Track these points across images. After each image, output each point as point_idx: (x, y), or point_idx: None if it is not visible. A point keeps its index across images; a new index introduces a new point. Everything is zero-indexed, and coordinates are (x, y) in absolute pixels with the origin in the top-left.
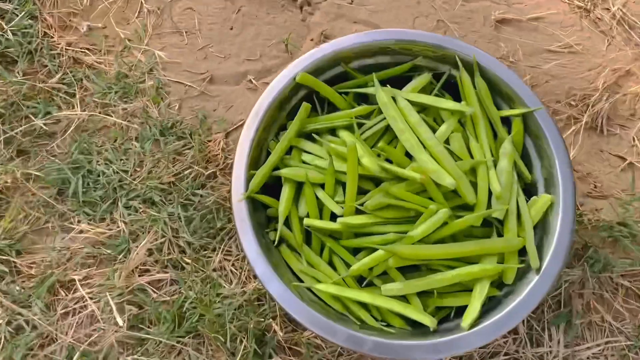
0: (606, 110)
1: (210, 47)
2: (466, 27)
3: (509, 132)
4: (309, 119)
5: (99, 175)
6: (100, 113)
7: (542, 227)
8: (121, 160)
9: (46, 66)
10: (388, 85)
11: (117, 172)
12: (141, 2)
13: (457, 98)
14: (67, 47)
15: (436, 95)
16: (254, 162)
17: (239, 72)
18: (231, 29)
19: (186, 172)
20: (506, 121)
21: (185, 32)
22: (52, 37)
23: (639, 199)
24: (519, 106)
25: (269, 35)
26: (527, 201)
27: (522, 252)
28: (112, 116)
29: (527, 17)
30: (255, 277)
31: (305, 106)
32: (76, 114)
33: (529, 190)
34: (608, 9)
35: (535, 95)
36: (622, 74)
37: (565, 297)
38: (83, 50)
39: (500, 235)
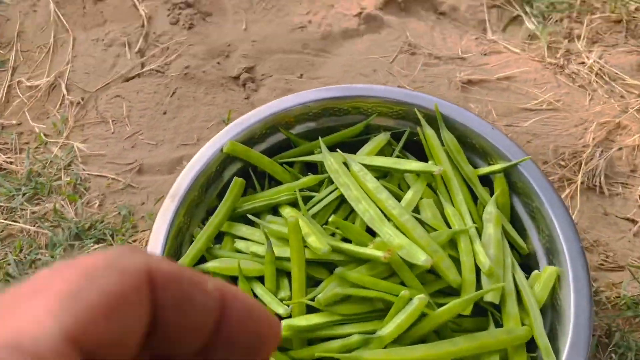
0: (602, 168)
1: (140, 134)
2: (430, 90)
3: (492, 194)
4: (245, 198)
5: None
6: (5, 219)
7: (551, 311)
8: (26, 274)
9: None
10: (339, 150)
11: None
12: (63, 93)
13: (424, 160)
14: None
15: (397, 157)
16: (173, 257)
17: (173, 159)
18: (164, 113)
19: None
20: (487, 181)
21: (112, 120)
22: None
23: None
24: (499, 160)
25: (207, 116)
26: (527, 278)
27: (531, 345)
28: (18, 222)
29: (496, 76)
30: None
31: (237, 182)
32: None
33: (528, 265)
34: (583, 62)
35: (516, 146)
36: (612, 128)
37: None
38: None
39: (498, 325)
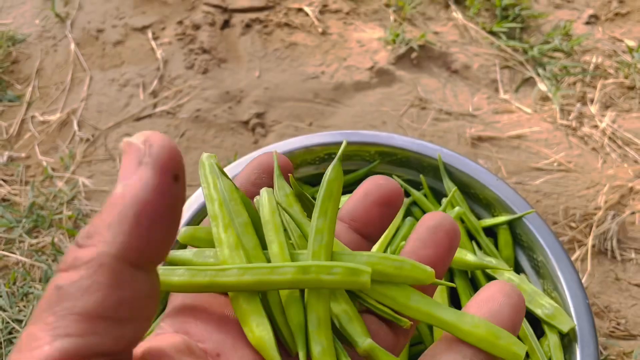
0: (614, 232)
1: None
2: (439, 144)
3: (496, 245)
4: None
5: None
6: (2, 250)
7: None
8: (17, 307)
9: None
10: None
11: (8, 322)
12: (74, 130)
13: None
14: None
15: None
16: None
17: None
18: None
19: None
20: (490, 233)
21: (120, 158)
22: None
23: None
24: (503, 212)
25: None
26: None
27: None
28: (15, 253)
29: (507, 134)
30: None
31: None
32: None
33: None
34: (596, 126)
35: (521, 198)
36: (624, 192)
37: None
38: None
39: None
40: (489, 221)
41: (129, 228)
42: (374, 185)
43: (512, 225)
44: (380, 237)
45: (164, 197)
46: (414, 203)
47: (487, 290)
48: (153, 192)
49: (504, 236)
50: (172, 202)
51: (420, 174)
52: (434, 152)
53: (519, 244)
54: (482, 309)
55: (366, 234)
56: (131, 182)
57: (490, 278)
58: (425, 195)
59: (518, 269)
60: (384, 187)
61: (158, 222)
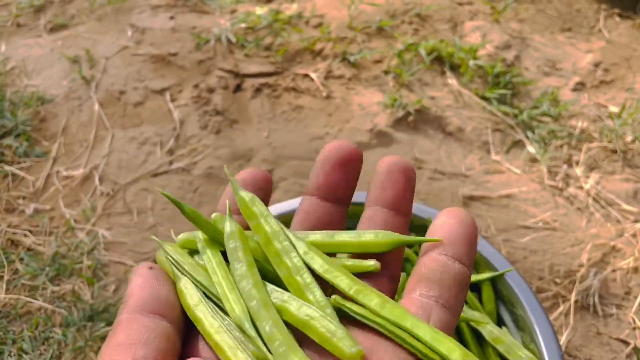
0: (596, 289)
1: (160, 225)
2: (433, 203)
3: (480, 300)
4: None
5: None
6: (26, 296)
7: None
8: (38, 350)
9: None
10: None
11: None
12: (95, 184)
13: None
14: (7, 229)
15: None
16: None
17: None
18: None
19: None
20: (474, 287)
21: (137, 211)
22: None
23: None
24: (486, 269)
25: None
26: None
27: None
28: (38, 300)
29: (497, 194)
30: None
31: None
32: None
33: None
34: (581, 187)
35: (501, 255)
36: (607, 251)
37: None
38: (24, 231)
39: None
40: (473, 277)
41: None
42: (332, 149)
43: (494, 281)
44: (349, 199)
45: None
46: (407, 259)
47: (440, 217)
48: None
49: (487, 292)
50: None
51: (412, 233)
52: (424, 213)
53: (500, 299)
54: (442, 231)
55: (334, 199)
56: None
57: (474, 330)
58: (416, 253)
59: (500, 322)
60: (341, 150)
61: None
